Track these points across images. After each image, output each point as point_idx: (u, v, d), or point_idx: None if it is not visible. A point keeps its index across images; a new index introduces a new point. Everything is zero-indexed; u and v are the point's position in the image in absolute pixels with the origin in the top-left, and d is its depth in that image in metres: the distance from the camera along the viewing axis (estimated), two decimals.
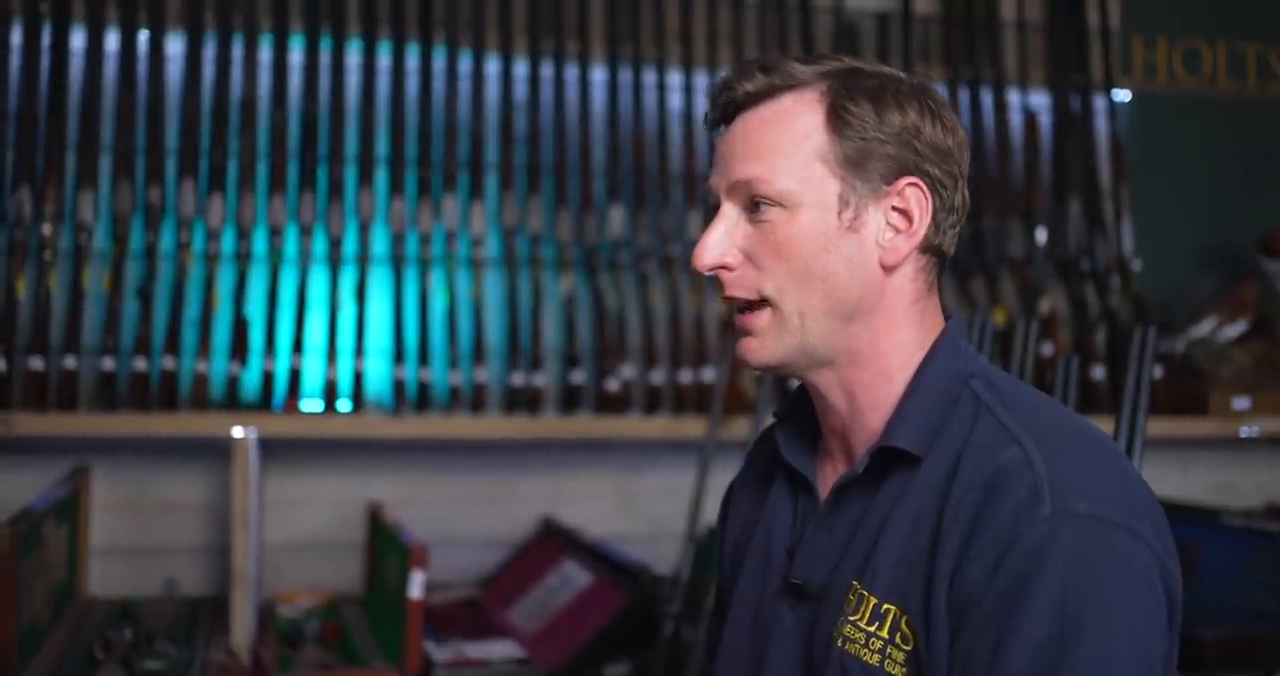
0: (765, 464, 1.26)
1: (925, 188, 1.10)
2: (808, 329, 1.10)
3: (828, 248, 1.09)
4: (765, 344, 1.11)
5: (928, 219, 1.11)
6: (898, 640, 1.03)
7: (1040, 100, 3.14)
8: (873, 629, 1.04)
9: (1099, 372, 2.98)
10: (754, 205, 1.10)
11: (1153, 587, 0.98)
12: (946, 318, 1.16)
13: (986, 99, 3.07)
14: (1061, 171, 3.09)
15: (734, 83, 1.12)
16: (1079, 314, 3.04)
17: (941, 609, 1.00)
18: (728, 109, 1.13)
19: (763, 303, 1.11)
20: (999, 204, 3.02)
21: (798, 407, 1.21)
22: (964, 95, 3.06)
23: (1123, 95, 3.23)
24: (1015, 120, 3.10)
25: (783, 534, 1.19)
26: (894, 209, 1.10)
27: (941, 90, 3.00)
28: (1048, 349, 2.94)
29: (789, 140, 1.09)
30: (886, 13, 3.08)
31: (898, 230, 1.10)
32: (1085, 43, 3.16)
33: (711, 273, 1.12)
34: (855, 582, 1.07)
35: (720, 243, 1.11)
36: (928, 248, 1.12)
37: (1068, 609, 0.95)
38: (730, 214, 1.12)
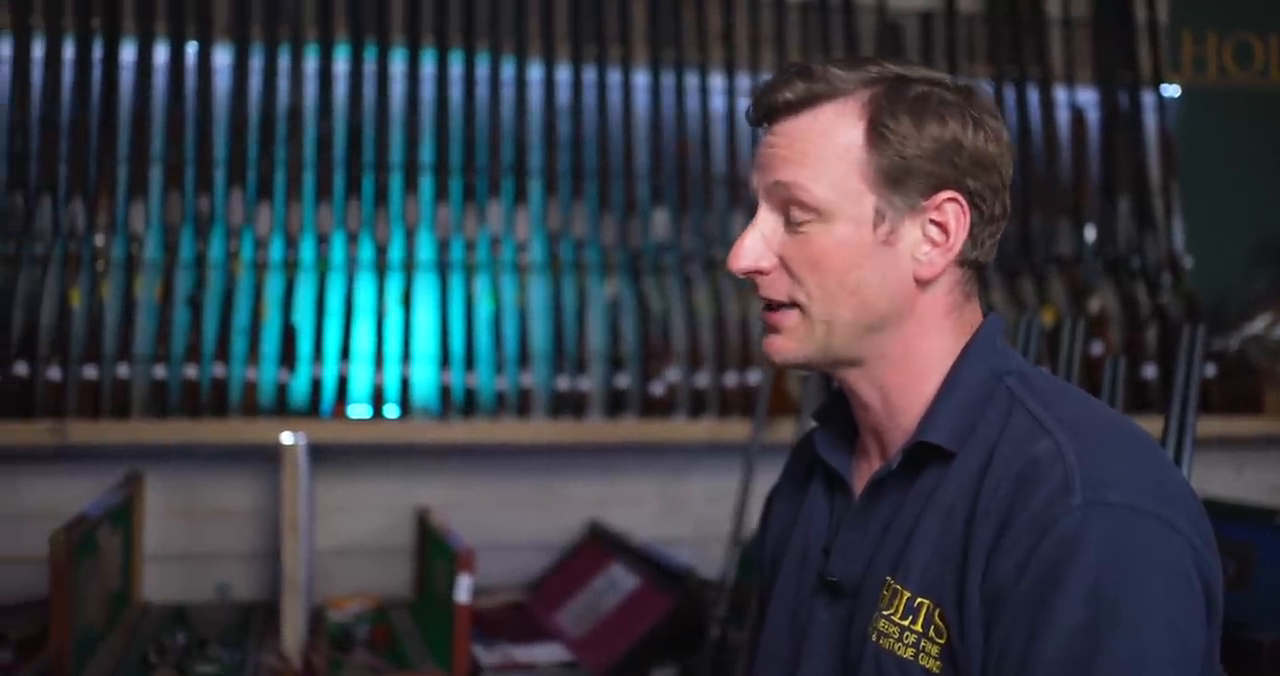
0: (804, 467, 1.27)
1: (964, 202, 1.10)
2: (831, 336, 1.11)
3: (861, 262, 1.09)
4: (789, 344, 1.12)
5: (964, 234, 1.10)
6: (931, 633, 1.03)
7: (1088, 97, 3.11)
8: (906, 623, 1.05)
9: (1150, 372, 2.94)
10: (790, 213, 1.10)
11: (1188, 577, 0.97)
12: (984, 316, 1.16)
13: (1033, 97, 3.04)
14: (1110, 169, 3.05)
15: (775, 89, 1.12)
16: (1129, 312, 3.01)
17: (975, 601, 1.00)
18: (769, 112, 1.13)
19: (793, 304, 1.12)
20: (1047, 202, 2.99)
21: (836, 408, 1.22)
22: (1010, 93, 3.03)
23: (1172, 91, 3.19)
24: (1062, 117, 3.06)
25: (819, 532, 1.20)
26: (932, 222, 1.10)
27: (987, 89, 3.02)
28: (1097, 348, 2.91)
29: (829, 151, 1.09)
30: (930, 11, 3.06)
31: (934, 244, 1.10)
32: (1133, 38, 3.12)
33: (746, 275, 1.13)
34: (889, 578, 1.08)
35: (756, 247, 1.12)
36: (964, 261, 1.12)
37: (1101, 597, 0.95)
38: (767, 218, 1.13)
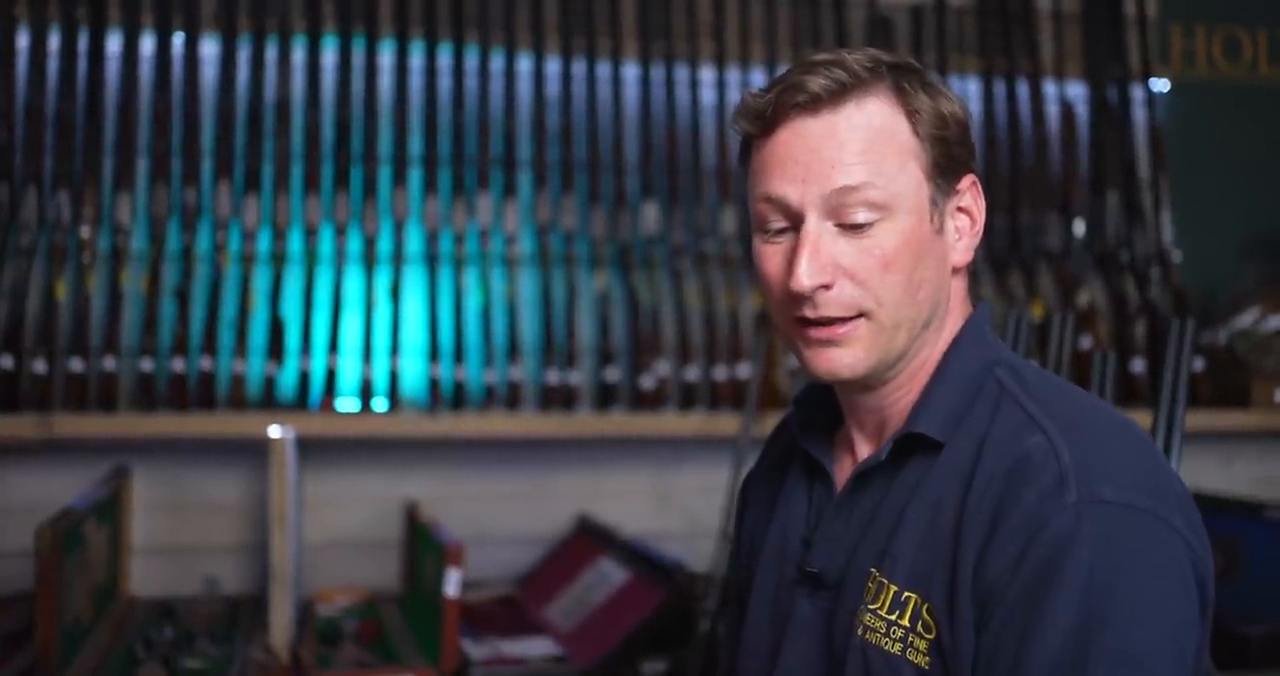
0: (780, 454, 1.26)
1: (978, 184, 1.09)
2: (899, 340, 1.07)
3: (924, 255, 1.06)
4: (858, 356, 1.06)
5: (983, 217, 1.10)
6: (919, 629, 1.02)
7: (1077, 91, 3.11)
8: (893, 617, 1.03)
9: (1139, 366, 2.95)
10: (853, 217, 1.04)
11: (1182, 575, 0.97)
12: (973, 304, 1.16)
13: (1022, 91, 3.04)
14: (1099, 163, 3.05)
15: (802, 83, 1.04)
16: (1118, 307, 3.01)
17: (965, 597, 0.99)
18: (791, 112, 1.05)
19: (858, 314, 1.06)
20: (1036, 196, 2.99)
21: (817, 394, 1.20)
22: (1000, 87, 3.03)
23: (1161, 85, 3.19)
24: (1052, 112, 3.07)
25: (798, 522, 1.18)
26: (959, 209, 1.09)
27: (977, 82, 3.02)
28: (1086, 342, 2.91)
29: (886, 142, 1.04)
30: (920, 5, 3.06)
31: (962, 231, 1.09)
32: (1122, 32, 3.13)
33: (809, 295, 1.05)
34: (874, 570, 1.06)
35: (817, 262, 1.04)
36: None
37: (1094, 597, 0.94)
38: (822, 229, 1.05)
